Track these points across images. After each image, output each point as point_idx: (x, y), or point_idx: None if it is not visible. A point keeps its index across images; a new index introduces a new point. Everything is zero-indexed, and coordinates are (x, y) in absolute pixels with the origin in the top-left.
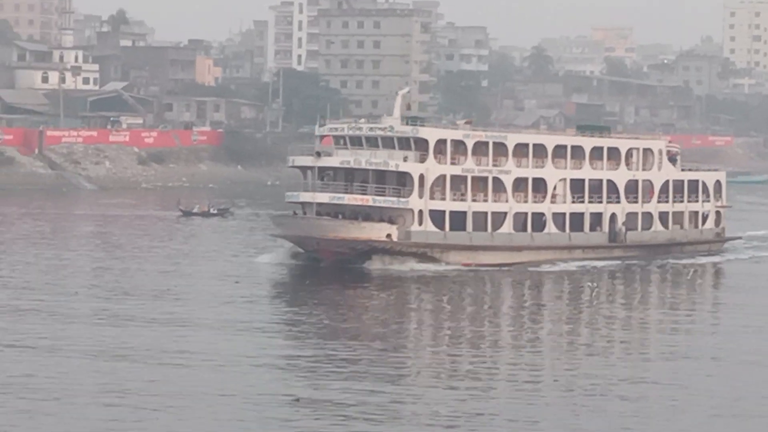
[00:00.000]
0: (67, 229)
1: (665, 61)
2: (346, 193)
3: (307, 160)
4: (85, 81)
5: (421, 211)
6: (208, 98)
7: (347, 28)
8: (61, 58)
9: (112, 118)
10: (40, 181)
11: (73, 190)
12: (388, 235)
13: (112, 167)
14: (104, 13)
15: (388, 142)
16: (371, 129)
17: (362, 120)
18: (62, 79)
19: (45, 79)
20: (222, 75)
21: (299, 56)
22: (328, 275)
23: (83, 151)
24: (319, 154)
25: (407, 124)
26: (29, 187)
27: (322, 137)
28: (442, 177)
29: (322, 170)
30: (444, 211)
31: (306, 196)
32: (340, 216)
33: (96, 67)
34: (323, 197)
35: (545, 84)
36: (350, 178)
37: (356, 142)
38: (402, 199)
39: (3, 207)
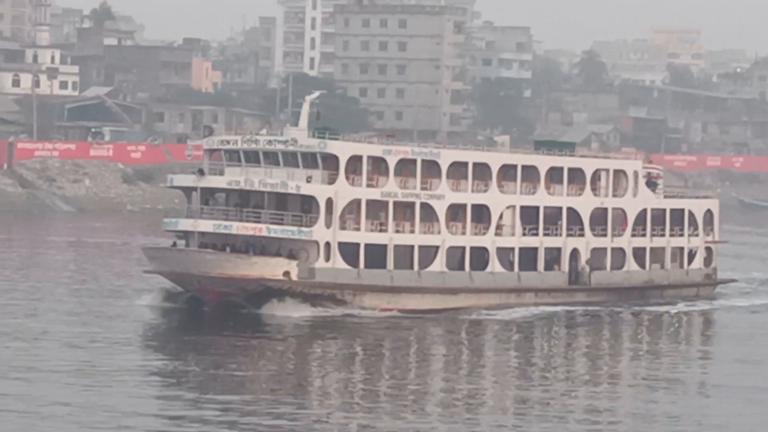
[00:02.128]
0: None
1: (738, 70)
2: (237, 220)
3: (188, 180)
4: (63, 85)
5: (328, 244)
6: (205, 107)
7: (368, 27)
8: (35, 58)
9: (93, 129)
10: (8, 200)
11: (46, 211)
12: (286, 273)
13: (92, 186)
14: (86, 7)
15: (290, 159)
16: (270, 142)
17: (263, 131)
18: (36, 83)
19: (16, 83)
20: (222, 80)
21: (312, 59)
22: (208, 322)
23: (59, 166)
24: (202, 173)
25: (315, 136)
26: None
27: (211, 152)
28: (356, 202)
29: (208, 192)
30: (358, 244)
31: (186, 224)
32: (228, 249)
33: (75, 69)
34: (206, 225)
35: (598, 95)
36: (245, 202)
37: (252, 158)
38: (304, 229)
39: None
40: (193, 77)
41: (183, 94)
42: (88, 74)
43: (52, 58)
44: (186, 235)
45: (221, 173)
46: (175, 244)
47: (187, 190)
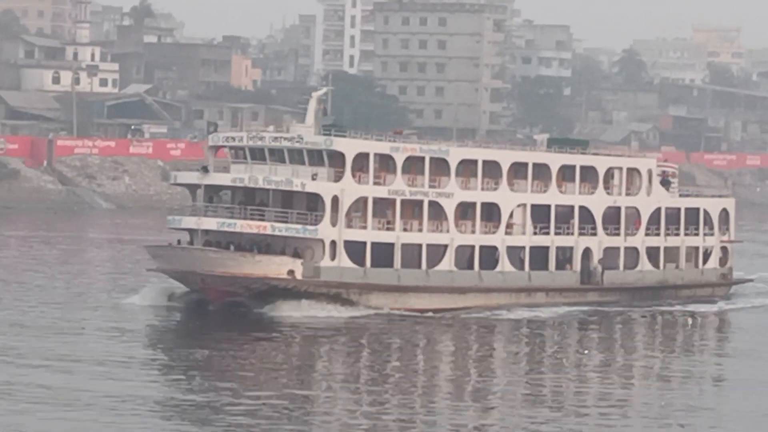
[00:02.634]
0: (73, 254)
1: None
2: (241, 218)
3: (192, 177)
4: (103, 83)
5: (333, 242)
6: (244, 104)
7: (408, 25)
8: (75, 55)
9: (133, 127)
10: (48, 198)
11: (86, 209)
12: (290, 272)
13: (132, 183)
14: (126, 5)
15: (295, 156)
16: (275, 139)
17: (270, 128)
18: (76, 80)
19: (56, 80)
20: (261, 78)
21: (351, 57)
22: (211, 322)
23: (99, 164)
24: (206, 170)
25: (322, 133)
26: (35, 205)
27: (216, 149)
28: (363, 200)
29: (213, 190)
30: (364, 243)
31: (190, 222)
32: (232, 247)
33: (115, 66)
34: (210, 223)
35: (637, 93)
36: (250, 200)
37: (257, 155)
38: (309, 227)
39: (3, 227)
40: (233, 75)
41: (222, 92)
42: (128, 72)
43: (92, 55)
44: (191, 233)
45: (227, 170)
46: (179, 242)
47: (192, 188)
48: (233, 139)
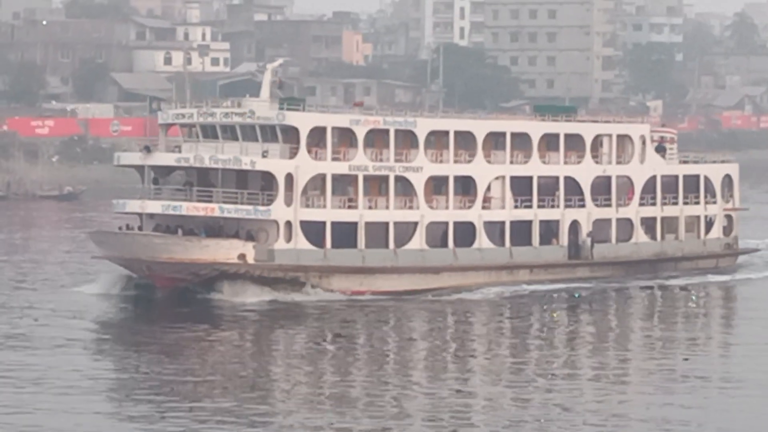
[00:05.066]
0: None
1: None
2: (187, 200)
3: (135, 158)
4: (214, 62)
5: (288, 223)
6: (356, 80)
7: None
8: (186, 35)
9: None
10: None
11: None
12: (241, 256)
13: None
14: None
15: (248, 132)
16: (227, 115)
17: (226, 104)
18: (188, 61)
19: (168, 61)
20: (372, 52)
21: (462, 29)
22: (157, 311)
23: None
24: (148, 150)
25: (281, 108)
26: None
27: (167, 126)
28: (320, 177)
29: (161, 171)
30: (323, 223)
31: (133, 205)
32: (180, 231)
33: (226, 45)
34: (155, 206)
35: (750, 57)
36: (204, 181)
37: (209, 132)
38: (261, 208)
39: None
40: (344, 50)
41: (334, 68)
42: (239, 50)
43: (203, 35)
44: (141, 217)
45: (177, 150)
46: (128, 227)
47: (141, 170)
48: (183, 116)
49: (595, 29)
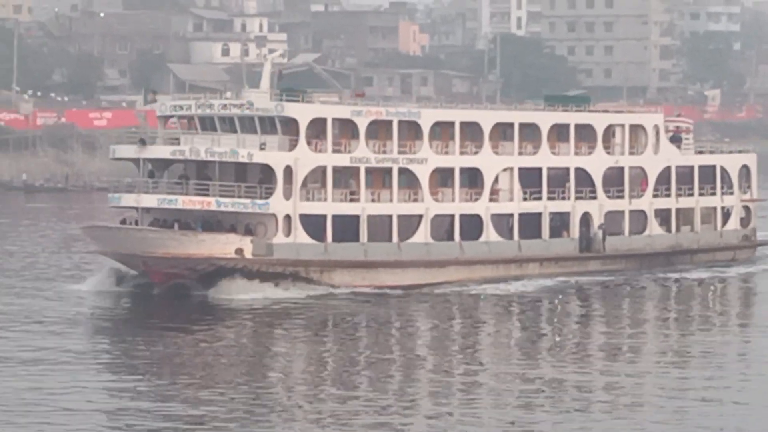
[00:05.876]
0: None
1: None
2: (183, 194)
3: (130, 151)
4: (272, 53)
5: (288, 217)
6: (413, 70)
7: None
8: (244, 27)
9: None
10: None
11: None
12: (239, 250)
13: None
14: None
15: (246, 124)
16: (225, 107)
17: (227, 95)
18: (245, 52)
19: (225, 52)
20: (429, 43)
21: (519, 19)
22: (155, 307)
23: None
24: (143, 142)
25: (281, 99)
26: None
27: (165, 119)
28: (321, 170)
29: (157, 164)
30: (324, 216)
31: (129, 199)
32: (176, 225)
33: (284, 36)
34: (150, 200)
35: None
36: (202, 174)
37: (208, 124)
38: (259, 201)
39: None
40: (401, 41)
41: (391, 58)
42: (296, 41)
43: (260, 26)
44: (138, 211)
45: (175, 142)
46: (125, 222)
47: (138, 163)
48: (180, 107)
49: (652, 18)
